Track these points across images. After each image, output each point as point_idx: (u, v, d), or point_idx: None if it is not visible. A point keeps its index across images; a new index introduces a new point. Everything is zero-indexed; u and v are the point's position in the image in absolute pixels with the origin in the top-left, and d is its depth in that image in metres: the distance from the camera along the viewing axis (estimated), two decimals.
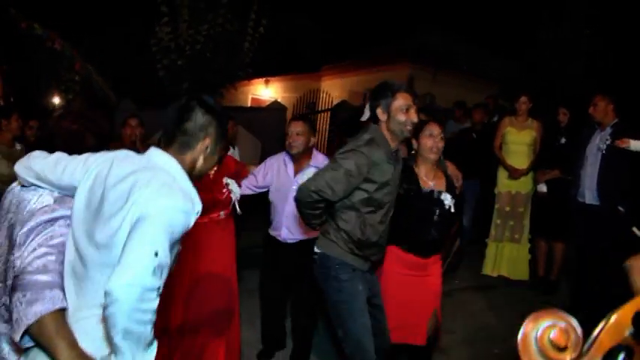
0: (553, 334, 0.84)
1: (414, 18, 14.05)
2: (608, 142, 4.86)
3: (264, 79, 16.00)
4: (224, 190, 3.60)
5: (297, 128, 3.75)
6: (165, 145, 1.85)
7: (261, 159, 4.34)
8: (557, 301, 5.38)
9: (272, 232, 3.95)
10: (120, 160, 1.79)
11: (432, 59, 11.89)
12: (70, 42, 8.60)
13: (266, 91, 16.49)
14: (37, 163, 1.89)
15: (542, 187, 5.69)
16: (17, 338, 1.64)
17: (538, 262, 5.94)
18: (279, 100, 14.11)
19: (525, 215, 5.98)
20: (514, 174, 5.88)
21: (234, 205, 3.70)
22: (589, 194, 4.98)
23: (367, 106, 3.14)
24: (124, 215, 1.61)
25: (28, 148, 5.28)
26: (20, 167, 1.92)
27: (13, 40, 8.06)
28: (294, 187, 3.30)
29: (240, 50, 9.85)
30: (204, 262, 3.42)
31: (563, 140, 5.65)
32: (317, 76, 15.46)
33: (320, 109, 12.79)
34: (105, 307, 1.51)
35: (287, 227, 3.84)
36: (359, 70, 13.76)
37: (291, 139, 3.75)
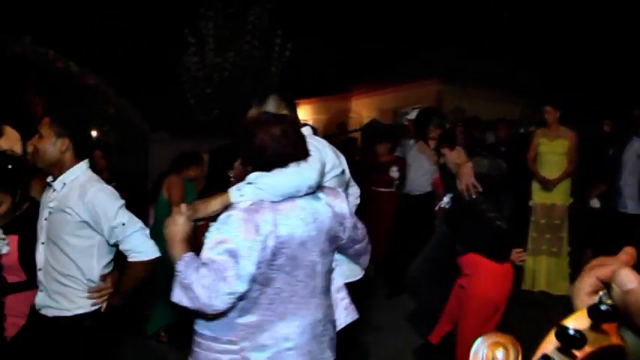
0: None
1: (434, 32, 13.99)
2: None
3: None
4: None
5: None
6: None
7: None
8: None
9: None
10: None
11: (460, 74, 11.79)
12: (103, 76, 8.85)
13: None
14: None
15: (595, 203, 5.49)
16: None
17: None
18: (309, 122, 14.16)
19: (563, 227, 5.78)
20: (547, 185, 5.72)
21: None
22: (631, 204, 4.81)
23: None
24: None
25: None
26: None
27: (50, 77, 8.39)
28: None
29: (267, 75, 9.96)
30: None
31: (611, 152, 5.46)
32: (346, 96, 15.46)
33: (350, 129, 12.79)
34: None
35: None
36: (387, 88, 13.71)
37: None
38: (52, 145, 2.49)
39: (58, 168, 2.53)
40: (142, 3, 11.47)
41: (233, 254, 1.83)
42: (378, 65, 14.44)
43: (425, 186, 5.68)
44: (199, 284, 1.82)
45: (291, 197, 1.98)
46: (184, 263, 1.89)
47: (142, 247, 2.51)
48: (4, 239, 2.65)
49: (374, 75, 14.47)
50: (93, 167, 5.39)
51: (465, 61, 11.96)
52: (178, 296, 1.90)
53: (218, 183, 4.34)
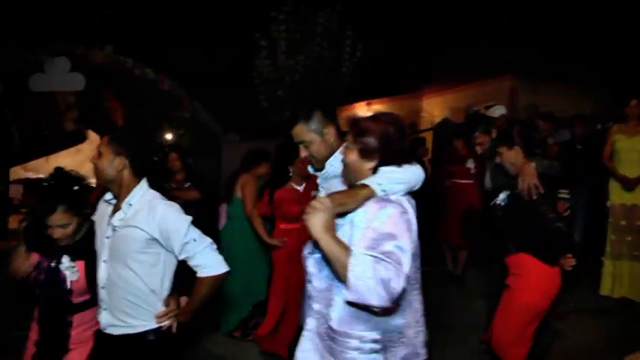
0: None
1: (505, 29, 13.58)
2: None
3: (365, 102, 16.10)
4: None
5: None
6: None
7: None
8: None
9: None
10: None
11: (534, 70, 11.40)
12: (176, 80, 9.24)
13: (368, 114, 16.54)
14: None
15: None
16: None
17: None
18: None
19: None
20: (628, 184, 5.43)
21: None
22: None
23: None
24: None
25: None
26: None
27: (129, 84, 8.85)
28: None
29: (338, 76, 10.02)
30: None
31: None
32: (418, 95, 15.31)
33: (421, 128, 12.67)
34: None
35: None
36: (459, 85, 13.46)
37: None
38: (110, 164, 2.53)
39: (117, 186, 2.57)
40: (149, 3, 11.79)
41: (402, 249, 1.86)
42: (449, 63, 14.18)
43: None
44: (381, 279, 1.77)
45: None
46: (357, 259, 1.82)
47: (212, 262, 2.55)
48: (74, 267, 2.74)
49: (445, 73, 14.22)
50: (169, 169, 5.67)
51: (539, 58, 11.56)
52: (357, 294, 1.80)
53: (281, 176, 4.57)
